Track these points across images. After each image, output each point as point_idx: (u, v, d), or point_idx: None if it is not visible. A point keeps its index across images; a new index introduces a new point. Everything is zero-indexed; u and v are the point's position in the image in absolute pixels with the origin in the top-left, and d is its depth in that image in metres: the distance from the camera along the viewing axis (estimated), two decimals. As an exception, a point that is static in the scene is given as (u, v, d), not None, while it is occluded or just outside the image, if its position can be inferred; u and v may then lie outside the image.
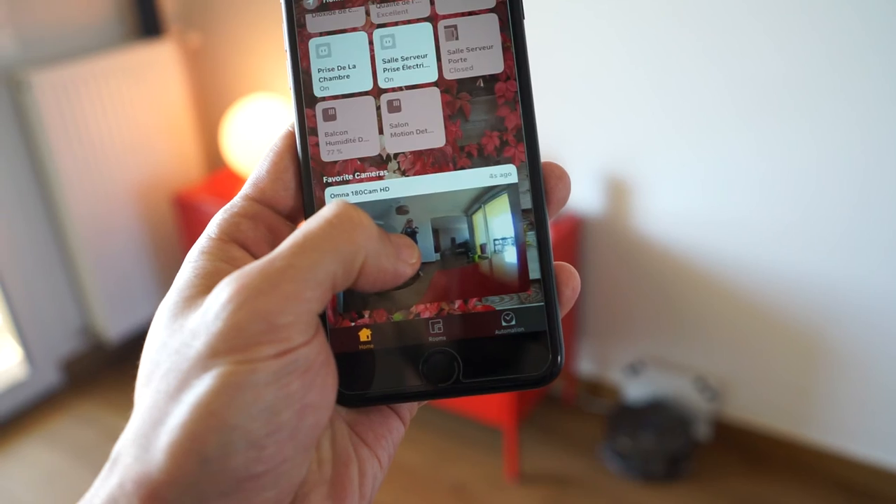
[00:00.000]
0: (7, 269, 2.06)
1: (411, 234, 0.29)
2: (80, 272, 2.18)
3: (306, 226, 0.25)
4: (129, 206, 2.21)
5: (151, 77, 2.21)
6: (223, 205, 0.29)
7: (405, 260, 0.27)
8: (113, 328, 2.24)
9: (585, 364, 2.07)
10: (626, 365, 1.96)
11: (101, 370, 2.31)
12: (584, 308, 1.99)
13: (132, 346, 2.32)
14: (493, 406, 1.76)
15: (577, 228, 1.85)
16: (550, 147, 1.84)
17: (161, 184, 2.28)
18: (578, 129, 1.78)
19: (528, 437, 1.93)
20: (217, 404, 0.22)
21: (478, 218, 0.29)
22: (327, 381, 0.25)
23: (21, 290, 2.10)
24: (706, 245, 1.73)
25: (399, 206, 0.30)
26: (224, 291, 0.23)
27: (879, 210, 1.50)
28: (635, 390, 1.93)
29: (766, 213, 1.63)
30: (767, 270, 1.68)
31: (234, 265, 0.26)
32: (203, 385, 0.22)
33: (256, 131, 2.00)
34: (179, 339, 0.24)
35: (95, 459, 1.99)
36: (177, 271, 0.27)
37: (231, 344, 0.22)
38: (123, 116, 2.15)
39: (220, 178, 2.22)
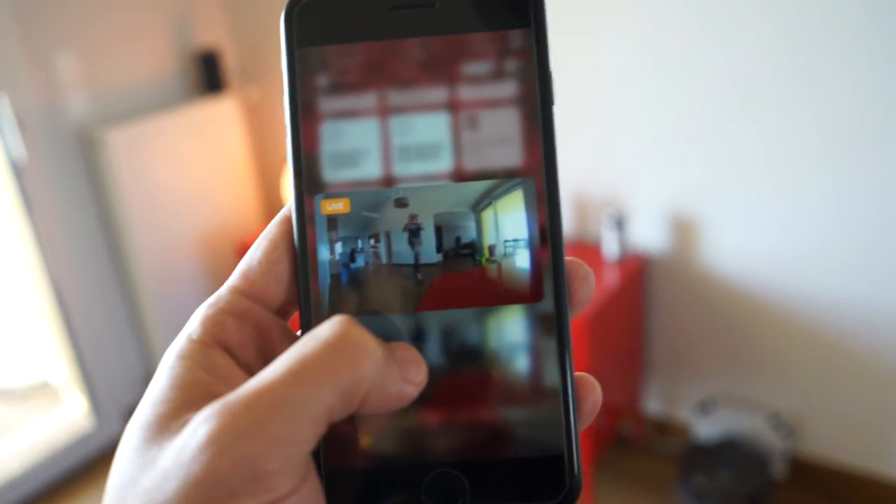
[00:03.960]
0: (77, 320, 2.10)
1: (415, 230, 0.26)
2: (145, 321, 2.22)
3: (302, 348, 0.22)
4: (192, 257, 2.26)
5: (214, 131, 2.28)
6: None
7: (411, 380, 0.24)
8: (177, 377, 2.26)
9: (653, 403, 2.06)
10: (696, 403, 1.95)
11: (165, 419, 2.33)
12: (652, 346, 1.99)
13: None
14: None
15: (642, 266, 1.86)
16: (615, 185, 1.86)
17: (223, 234, 2.33)
18: (644, 166, 1.81)
19: (599, 480, 1.91)
20: None
21: (487, 215, 0.27)
22: None
23: (89, 341, 2.14)
24: (775, 279, 1.73)
25: (398, 199, 0.27)
26: (203, 429, 0.20)
27: (956, 241, 1.50)
28: (706, 429, 1.91)
29: (836, 246, 1.63)
30: (840, 304, 1.67)
31: (216, 375, 0.24)
32: None
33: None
34: (150, 478, 0.21)
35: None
36: None
37: (208, 494, 0.20)
38: (188, 170, 2.22)
39: (282, 226, 2.26)
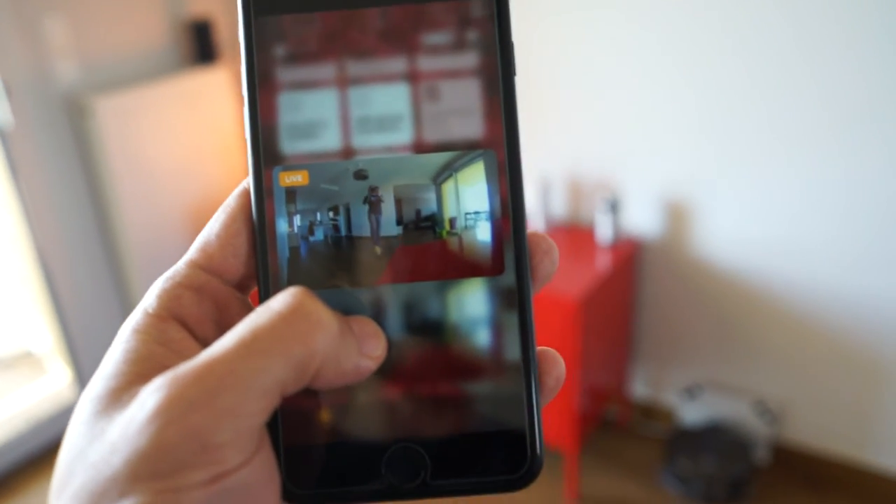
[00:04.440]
0: (63, 290, 2.08)
1: (375, 203, 0.26)
2: (133, 294, 2.20)
3: (255, 319, 0.22)
4: (181, 229, 2.23)
5: (205, 102, 2.24)
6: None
7: (368, 354, 0.24)
8: (163, 350, 2.25)
9: (640, 387, 2.07)
10: (683, 388, 1.96)
11: (150, 392, 2.32)
12: (640, 330, 2.00)
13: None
14: (554, 430, 1.76)
15: (635, 251, 1.86)
16: (610, 169, 1.86)
17: (212, 207, 2.30)
18: (640, 151, 1.81)
19: (585, 462, 1.93)
20: None
21: (448, 187, 0.26)
22: (268, 502, 0.22)
23: (74, 311, 2.12)
24: (764, 268, 1.74)
25: (357, 171, 0.26)
26: (151, 400, 0.20)
27: (947, 234, 1.51)
28: (691, 413, 1.93)
29: (825, 236, 1.64)
30: (827, 293, 1.68)
31: (171, 348, 0.23)
32: None
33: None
34: (98, 451, 0.20)
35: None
36: None
37: (155, 467, 0.19)
38: (178, 140, 2.19)
39: (272, 201, 2.25)
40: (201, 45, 2.25)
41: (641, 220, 1.86)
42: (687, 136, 1.73)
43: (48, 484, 1.96)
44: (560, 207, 1.97)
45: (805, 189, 1.63)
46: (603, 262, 1.76)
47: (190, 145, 2.23)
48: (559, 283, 1.65)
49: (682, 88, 1.70)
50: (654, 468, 1.90)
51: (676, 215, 1.81)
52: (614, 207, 1.78)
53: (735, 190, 1.71)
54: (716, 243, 1.78)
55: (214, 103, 2.27)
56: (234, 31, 2.37)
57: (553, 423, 1.74)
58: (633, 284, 1.91)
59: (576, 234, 1.89)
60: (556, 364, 0.26)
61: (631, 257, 1.85)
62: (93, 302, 2.17)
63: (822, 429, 1.83)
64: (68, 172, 2.04)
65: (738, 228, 1.74)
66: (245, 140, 0.27)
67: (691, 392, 1.93)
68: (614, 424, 2.07)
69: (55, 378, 2.22)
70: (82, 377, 2.17)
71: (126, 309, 2.24)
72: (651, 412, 2.07)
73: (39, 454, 2.08)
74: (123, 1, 2.09)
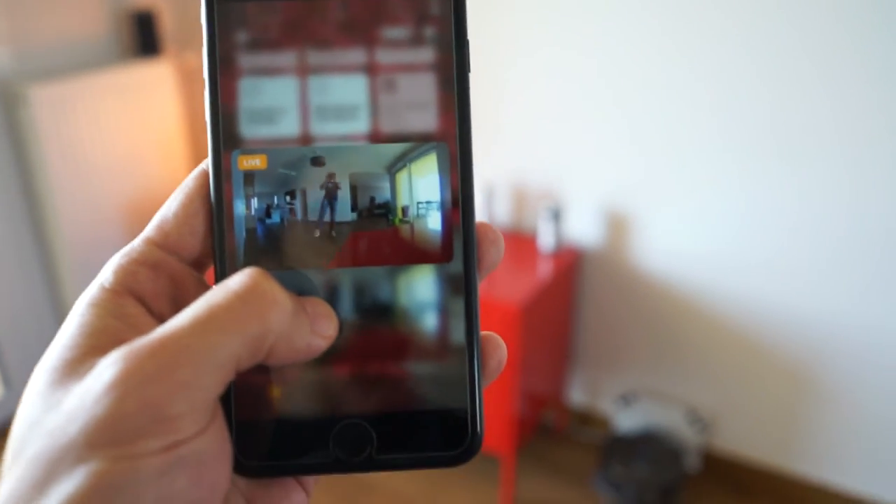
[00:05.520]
0: (-11, 285, 2.00)
1: (331, 189, 0.27)
2: (65, 291, 2.13)
3: (211, 297, 0.22)
4: (117, 226, 2.17)
5: (147, 95, 2.19)
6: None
7: (320, 333, 0.25)
8: (95, 349, 2.18)
9: (577, 394, 2.10)
10: (619, 396, 2.00)
11: (80, 392, 2.24)
12: (578, 338, 2.03)
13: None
14: (491, 435, 1.77)
15: (576, 260, 1.89)
16: (554, 178, 1.88)
17: (151, 204, 2.25)
18: (583, 161, 1.84)
19: (521, 467, 1.95)
20: None
21: (401, 177, 0.27)
22: (220, 473, 0.22)
23: (1, 313, 2.04)
24: (700, 280, 1.79)
25: (315, 157, 0.27)
26: (108, 372, 0.20)
27: (864, 247, 1.58)
28: (627, 421, 1.96)
29: (756, 249, 1.70)
30: (758, 305, 1.74)
31: (126, 322, 0.24)
32: (74, 482, 0.19)
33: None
34: (54, 420, 0.21)
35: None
36: None
37: (111, 436, 0.20)
38: (117, 134, 2.13)
39: (214, 199, 2.20)
40: (144, 37, 2.19)
41: (583, 229, 1.89)
42: (630, 148, 1.77)
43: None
44: (503, 214, 1.98)
45: (740, 204, 1.68)
46: (544, 269, 1.78)
47: (129, 140, 2.17)
48: (501, 288, 1.66)
49: (626, 100, 1.73)
50: (589, 474, 1.93)
51: (617, 226, 1.85)
52: (557, 216, 1.81)
53: (675, 203, 1.76)
54: (654, 254, 1.83)
55: (156, 97, 2.22)
56: (177, 25, 2.32)
57: (491, 428, 1.76)
58: (573, 292, 1.94)
59: (518, 241, 1.91)
60: (498, 347, 0.28)
61: (572, 266, 1.88)
62: (22, 303, 2.09)
63: (749, 437, 1.89)
64: (-2, 163, 1.96)
65: (675, 241, 1.79)
66: (205, 123, 0.27)
67: (627, 400, 1.97)
68: (551, 430, 2.10)
69: (-22, 376, 2.13)
70: (8, 381, 2.09)
71: (56, 307, 2.17)
72: (587, 419, 2.10)
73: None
74: (63, -12, 2.03)
